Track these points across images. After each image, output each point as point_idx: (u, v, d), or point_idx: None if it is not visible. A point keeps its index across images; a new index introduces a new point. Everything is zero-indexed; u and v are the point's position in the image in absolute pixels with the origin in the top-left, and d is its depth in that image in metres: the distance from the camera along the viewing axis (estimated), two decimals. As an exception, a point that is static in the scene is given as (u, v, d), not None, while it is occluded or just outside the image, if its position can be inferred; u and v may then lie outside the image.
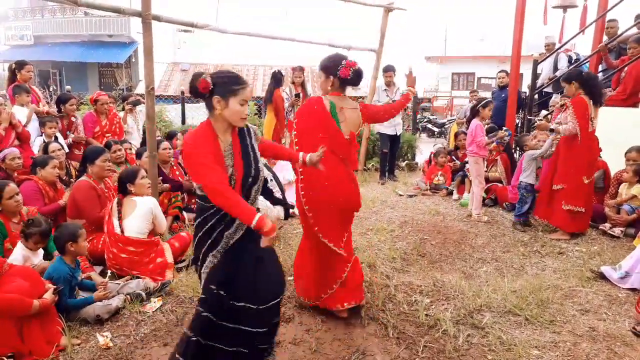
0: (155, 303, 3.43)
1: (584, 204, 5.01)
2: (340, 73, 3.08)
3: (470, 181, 6.45)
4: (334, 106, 3.10)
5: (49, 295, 2.90)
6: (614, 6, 7.56)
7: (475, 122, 5.74)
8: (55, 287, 3.00)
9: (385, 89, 7.98)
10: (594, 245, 4.89)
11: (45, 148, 4.89)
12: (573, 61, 8.43)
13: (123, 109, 6.95)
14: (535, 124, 5.96)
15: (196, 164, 2.18)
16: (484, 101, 5.79)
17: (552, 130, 5.20)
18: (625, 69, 6.51)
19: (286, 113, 7.79)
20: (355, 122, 3.22)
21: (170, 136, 6.48)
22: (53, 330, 2.89)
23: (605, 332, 3.14)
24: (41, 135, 5.44)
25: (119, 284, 3.56)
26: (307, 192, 3.13)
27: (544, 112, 8.17)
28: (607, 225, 5.25)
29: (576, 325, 3.23)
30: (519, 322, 3.25)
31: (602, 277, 4.00)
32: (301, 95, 7.89)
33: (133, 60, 23.78)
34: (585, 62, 8.09)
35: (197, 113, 13.42)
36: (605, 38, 7.67)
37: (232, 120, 2.29)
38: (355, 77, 3.11)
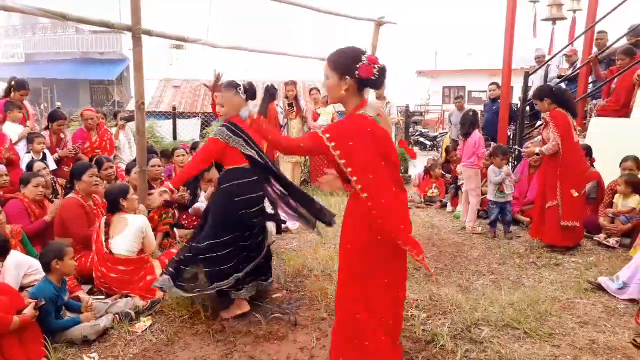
0: (144, 322, 3.34)
1: (579, 217, 4.97)
2: (361, 72, 2.26)
3: (463, 193, 6.42)
4: (378, 122, 2.35)
5: (29, 311, 2.80)
6: (601, 18, 7.66)
7: (477, 134, 5.77)
8: (35, 301, 2.89)
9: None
10: (590, 256, 4.85)
11: (29, 166, 4.80)
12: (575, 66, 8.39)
13: (115, 125, 6.90)
14: (523, 152, 6.04)
15: None
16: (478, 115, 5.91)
17: (537, 154, 5.20)
18: (615, 79, 6.55)
19: (281, 127, 7.74)
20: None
21: (164, 154, 6.42)
22: (35, 350, 2.78)
23: (605, 344, 3.08)
24: (29, 152, 5.35)
25: (107, 302, 3.46)
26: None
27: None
28: (602, 235, 5.23)
29: (576, 338, 3.17)
30: (517, 336, 3.19)
31: (600, 288, 3.95)
32: (295, 107, 7.82)
33: (125, 75, 23.79)
34: (574, 73, 8.16)
35: (188, 129, 13.37)
36: (595, 49, 7.75)
37: None
38: (380, 77, 2.31)
